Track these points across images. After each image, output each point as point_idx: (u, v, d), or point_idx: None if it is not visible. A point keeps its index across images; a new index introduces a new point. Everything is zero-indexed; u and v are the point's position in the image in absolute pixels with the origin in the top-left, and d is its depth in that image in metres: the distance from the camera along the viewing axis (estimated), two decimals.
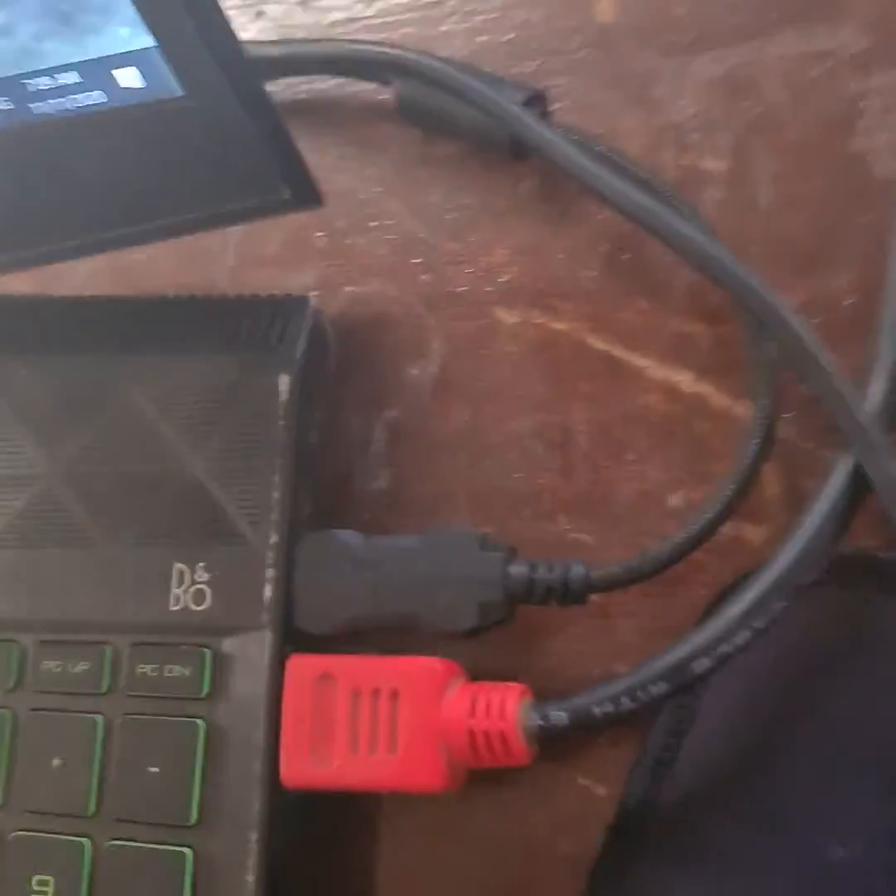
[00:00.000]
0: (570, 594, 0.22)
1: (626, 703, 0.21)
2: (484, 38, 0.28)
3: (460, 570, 0.22)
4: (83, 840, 0.23)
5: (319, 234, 0.28)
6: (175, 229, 0.25)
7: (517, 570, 0.22)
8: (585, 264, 0.26)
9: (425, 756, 0.21)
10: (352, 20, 0.29)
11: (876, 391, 0.22)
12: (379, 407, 0.26)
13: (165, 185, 0.25)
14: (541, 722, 0.21)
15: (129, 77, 0.22)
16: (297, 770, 0.22)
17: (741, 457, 0.23)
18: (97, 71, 0.22)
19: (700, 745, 0.22)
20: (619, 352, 0.25)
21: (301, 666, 0.23)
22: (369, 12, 0.29)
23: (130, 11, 0.21)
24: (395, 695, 0.22)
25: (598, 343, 0.25)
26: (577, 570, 0.22)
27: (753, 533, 0.23)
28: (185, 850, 0.22)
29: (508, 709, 0.21)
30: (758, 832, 0.21)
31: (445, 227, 0.27)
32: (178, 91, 0.22)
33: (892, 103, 0.24)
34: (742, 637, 0.20)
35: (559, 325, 0.25)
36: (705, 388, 0.24)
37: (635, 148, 0.26)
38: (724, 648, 0.20)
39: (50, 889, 0.23)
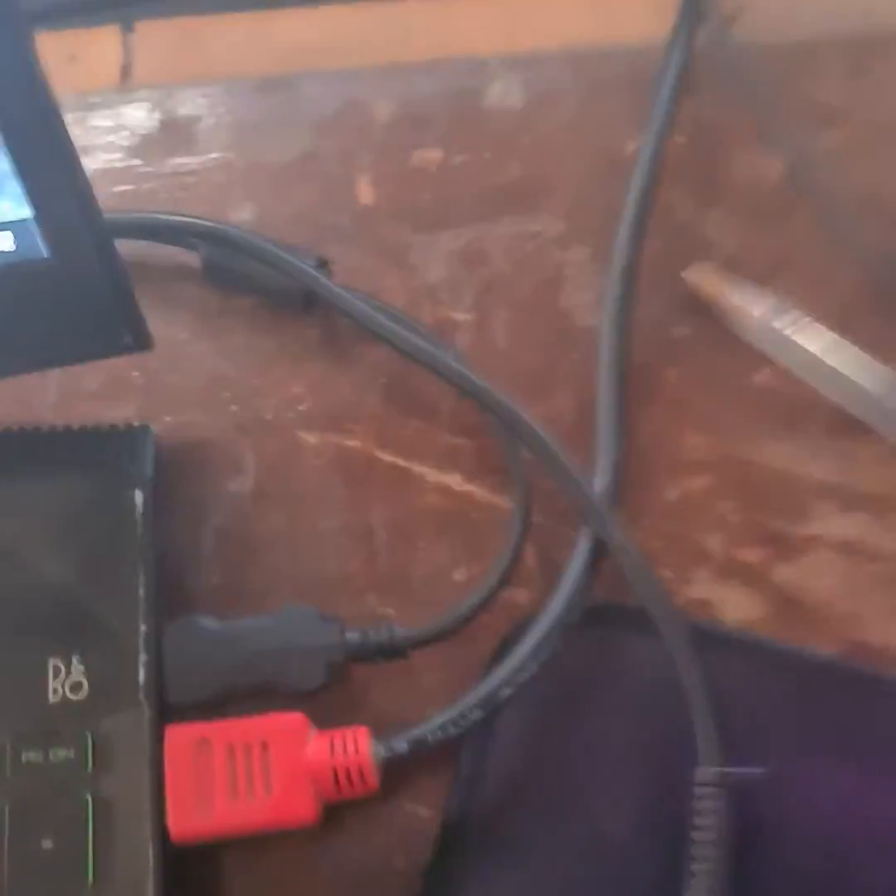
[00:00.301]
0: (394, 650, 0.28)
1: (452, 729, 0.27)
2: (268, 214, 0.34)
3: (305, 638, 0.28)
4: None
5: (135, 373, 0.33)
6: (26, 366, 0.29)
7: (351, 634, 0.28)
8: (368, 394, 0.32)
9: (297, 795, 0.26)
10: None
11: (601, 480, 0.30)
12: (204, 516, 0.31)
13: (19, 329, 0.29)
14: (387, 753, 0.27)
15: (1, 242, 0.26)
16: (185, 824, 0.26)
17: (508, 538, 0.30)
18: None
19: (500, 762, 0.28)
20: (402, 462, 0.32)
21: (178, 733, 0.27)
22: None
23: (16, 189, 0.25)
24: (264, 746, 0.27)
25: (384, 455, 0.32)
26: (399, 631, 0.28)
27: (520, 595, 0.30)
28: None
29: (361, 746, 0.27)
30: (548, 819, 0.27)
31: (248, 366, 0.33)
32: (44, 253, 0.26)
33: (583, 273, 0.33)
34: (531, 668, 0.27)
35: (352, 443, 0.32)
36: (473, 488, 0.31)
37: (398, 303, 0.33)
38: (521, 678, 0.27)
39: None
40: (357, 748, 0.27)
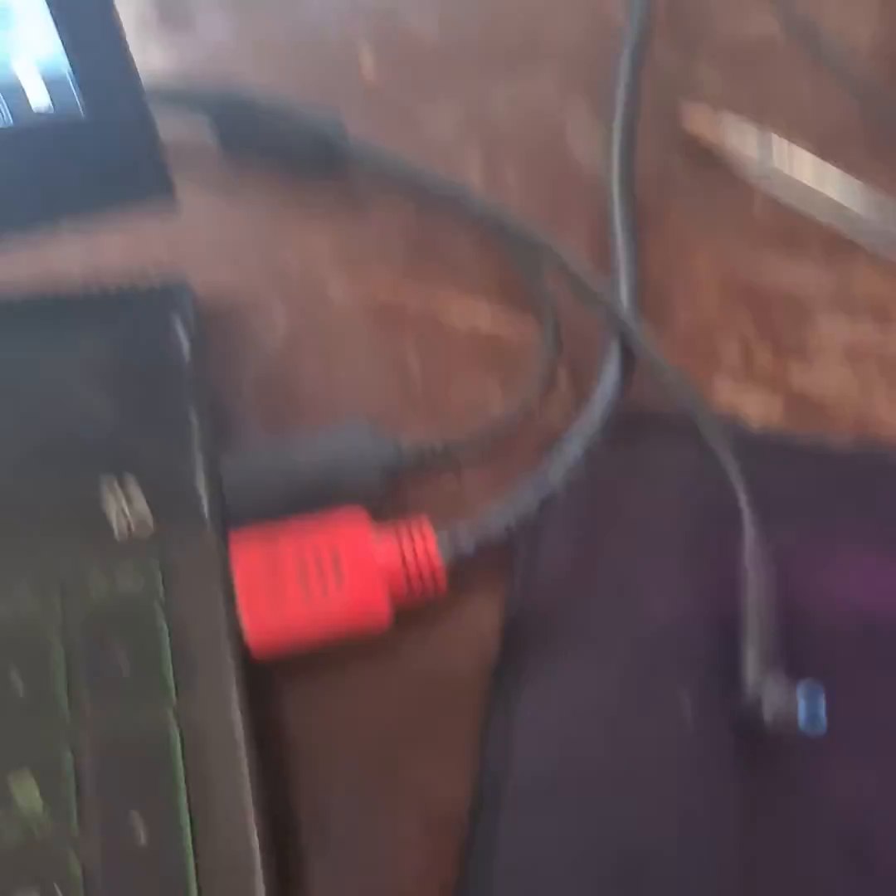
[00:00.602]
0: (446, 456, 0.29)
1: (512, 522, 0.28)
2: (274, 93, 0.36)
3: (360, 449, 0.29)
4: (63, 745, 0.25)
5: (159, 244, 0.33)
6: (51, 216, 0.30)
7: (405, 445, 0.29)
8: (391, 244, 0.34)
9: (369, 589, 0.27)
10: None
11: (624, 295, 0.32)
12: (241, 369, 0.32)
13: (48, 180, 0.29)
14: (454, 553, 0.28)
15: (38, 98, 0.27)
16: (261, 630, 0.27)
17: (541, 360, 0.31)
18: (10, 93, 0.27)
19: (552, 563, 0.29)
20: (430, 303, 0.33)
21: (245, 545, 0.28)
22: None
23: (54, 40, 0.26)
24: (332, 544, 0.27)
25: (412, 299, 0.33)
26: (447, 441, 0.29)
27: (555, 415, 0.31)
28: (171, 723, 0.26)
29: (430, 546, 0.28)
30: (603, 610, 0.29)
31: (271, 227, 0.34)
32: (80, 109, 0.27)
33: (582, 124, 0.35)
34: (580, 463, 0.29)
35: (380, 290, 0.33)
36: (501, 322, 0.33)
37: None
38: (571, 472, 0.29)
39: (34, 790, 0.25)
40: (426, 549, 0.28)
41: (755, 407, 0.32)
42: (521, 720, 0.28)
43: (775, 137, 0.34)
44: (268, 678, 0.28)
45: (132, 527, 0.28)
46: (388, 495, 0.29)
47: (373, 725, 0.28)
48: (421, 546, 0.28)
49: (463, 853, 0.26)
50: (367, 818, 0.27)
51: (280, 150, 0.34)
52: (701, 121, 0.35)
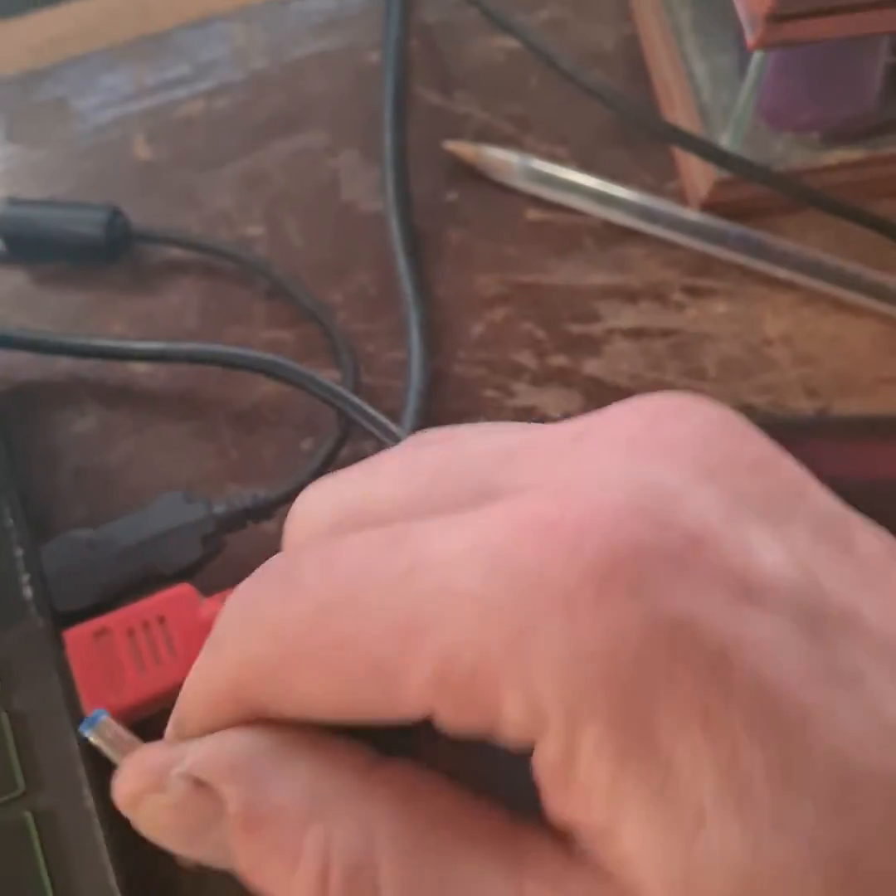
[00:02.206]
0: (259, 511, 0.30)
1: None
2: (57, 193, 0.37)
3: (177, 519, 0.30)
4: None
5: None
6: None
7: (218, 506, 0.30)
8: (186, 316, 0.35)
9: (199, 646, 0.28)
10: None
11: (413, 323, 0.33)
12: (58, 461, 0.33)
13: None
14: None
15: None
16: (100, 707, 0.27)
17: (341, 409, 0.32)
18: None
19: None
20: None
21: (76, 632, 0.28)
22: None
23: None
24: (160, 619, 0.28)
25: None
26: (261, 493, 0.30)
27: (367, 447, 0.33)
28: (24, 812, 0.26)
29: None
30: None
31: (68, 320, 0.35)
32: None
33: (356, 171, 0.37)
34: None
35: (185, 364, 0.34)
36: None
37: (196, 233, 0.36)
38: None
39: None
40: None
41: (556, 403, 0.33)
42: None
43: (533, 155, 0.36)
44: None
45: None
46: (212, 555, 0.30)
47: None
48: None
49: None
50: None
51: (65, 245, 0.35)
52: (464, 152, 0.36)
